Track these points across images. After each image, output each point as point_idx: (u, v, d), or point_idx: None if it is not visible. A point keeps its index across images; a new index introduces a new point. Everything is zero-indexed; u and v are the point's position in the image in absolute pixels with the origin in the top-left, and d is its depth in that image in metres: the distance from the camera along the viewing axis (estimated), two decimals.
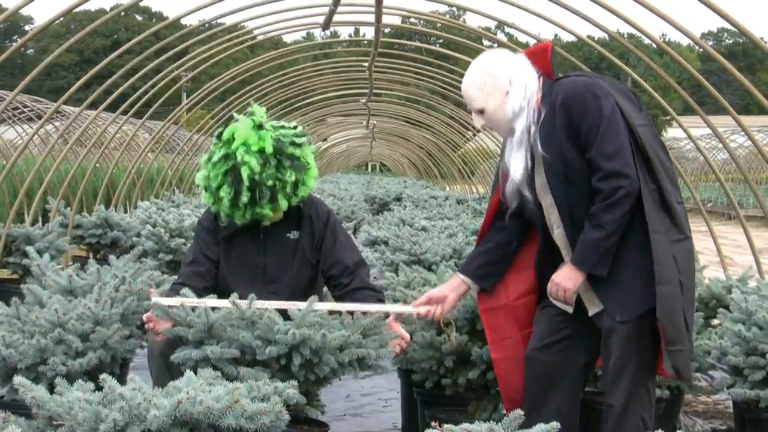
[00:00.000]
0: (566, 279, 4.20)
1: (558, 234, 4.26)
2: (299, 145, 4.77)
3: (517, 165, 4.20)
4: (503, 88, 4.19)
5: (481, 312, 4.59)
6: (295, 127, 4.88)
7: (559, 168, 4.11)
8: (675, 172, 4.25)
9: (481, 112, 4.26)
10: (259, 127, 4.70)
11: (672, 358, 4.04)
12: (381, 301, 4.87)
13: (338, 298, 4.99)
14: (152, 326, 4.37)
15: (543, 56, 4.26)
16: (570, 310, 4.27)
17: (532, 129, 4.16)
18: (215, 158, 4.71)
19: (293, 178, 4.70)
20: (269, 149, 4.66)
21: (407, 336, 4.72)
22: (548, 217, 4.27)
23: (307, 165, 4.79)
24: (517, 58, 4.26)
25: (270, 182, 4.65)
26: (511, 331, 4.48)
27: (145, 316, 4.42)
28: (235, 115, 4.82)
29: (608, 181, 4.01)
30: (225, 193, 4.67)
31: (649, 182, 4.06)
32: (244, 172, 4.61)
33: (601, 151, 4.02)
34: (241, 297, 4.32)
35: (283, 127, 4.84)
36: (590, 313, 4.26)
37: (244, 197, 4.64)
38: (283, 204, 4.72)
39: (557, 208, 4.19)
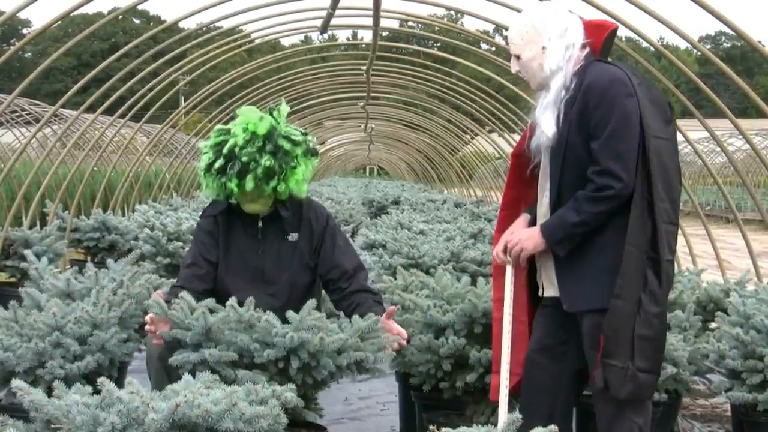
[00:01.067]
0: (528, 239, 4.23)
1: (544, 203, 4.29)
2: (294, 143, 4.80)
3: (548, 123, 4.15)
4: (542, 42, 4.18)
5: (493, 269, 4.55)
6: (305, 133, 4.92)
7: (562, 147, 4.11)
8: (680, 192, 4.20)
9: (518, 58, 4.29)
10: (269, 114, 4.82)
11: (605, 370, 4.02)
12: (379, 303, 4.87)
13: (336, 302, 5.00)
14: (153, 329, 4.37)
15: (601, 32, 4.24)
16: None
17: (563, 93, 4.15)
18: (218, 127, 4.90)
19: (268, 163, 4.71)
20: (261, 131, 4.75)
21: (404, 333, 4.72)
22: (542, 182, 4.31)
23: (293, 163, 4.79)
24: (569, 19, 4.22)
25: (245, 158, 4.70)
26: (515, 292, 4.43)
27: (147, 317, 4.41)
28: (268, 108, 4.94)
29: (602, 177, 4.01)
30: (206, 158, 4.82)
31: (646, 194, 4.03)
32: (229, 143, 4.74)
33: (606, 147, 4.00)
34: (240, 298, 4.33)
35: (293, 127, 4.93)
36: (546, 294, 4.29)
37: (217, 164, 4.74)
38: (249, 185, 4.71)
39: (549, 180, 4.21)
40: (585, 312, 4.11)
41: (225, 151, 4.73)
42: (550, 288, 4.28)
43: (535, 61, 4.20)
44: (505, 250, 4.34)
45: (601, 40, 4.23)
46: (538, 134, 4.23)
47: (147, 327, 4.41)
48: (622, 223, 4.04)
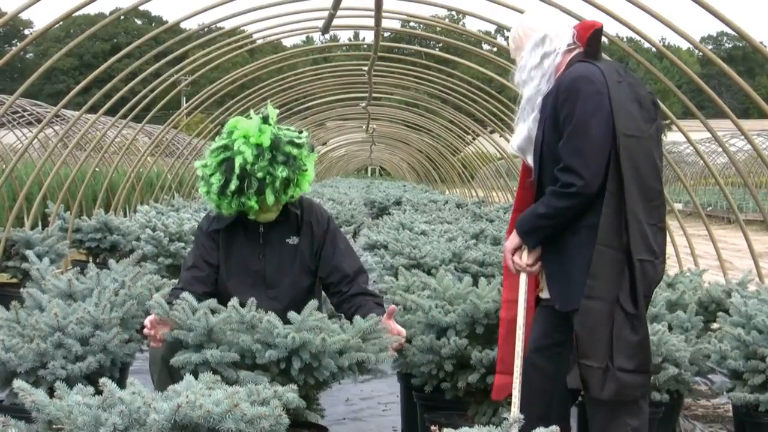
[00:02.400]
0: (510, 239, 4.32)
1: None
2: (298, 146, 4.77)
3: (518, 132, 4.26)
4: (521, 52, 4.29)
5: (504, 269, 4.55)
6: (300, 132, 4.90)
7: (539, 145, 4.15)
8: (657, 193, 4.15)
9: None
10: (264, 122, 4.75)
11: (582, 370, 4.01)
12: (380, 305, 4.86)
13: (337, 305, 4.99)
14: (153, 333, 4.36)
15: (585, 33, 4.26)
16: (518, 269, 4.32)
17: (538, 100, 4.18)
18: (215, 146, 4.79)
19: (284, 174, 4.69)
20: (266, 143, 4.69)
21: (403, 332, 4.72)
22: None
23: (303, 167, 4.78)
24: (551, 26, 4.27)
25: (260, 174, 4.66)
26: (518, 295, 4.44)
27: (146, 321, 4.40)
28: (252, 113, 4.85)
29: (564, 174, 4.03)
30: (216, 180, 4.72)
31: (617, 193, 4.01)
32: (237, 161, 4.65)
33: (568, 144, 4.02)
34: (241, 302, 4.33)
35: (288, 129, 4.87)
36: (542, 295, 4.32)
37: (233, 185, 4.66)
38: (270, 199, 4.69)
39: (534, 180, 4.27)
40: (575, 312, 4.10)
41: (237, 170, 4.64)
42: (545, 290, 4.31)
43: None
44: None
45: (584, 39, 4.24)
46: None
47: (146, 331, 4.39)
48: (597, 223, 4.03)
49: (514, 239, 4.29)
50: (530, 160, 4.29)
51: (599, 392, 4.00)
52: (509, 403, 4.59)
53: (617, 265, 4.01)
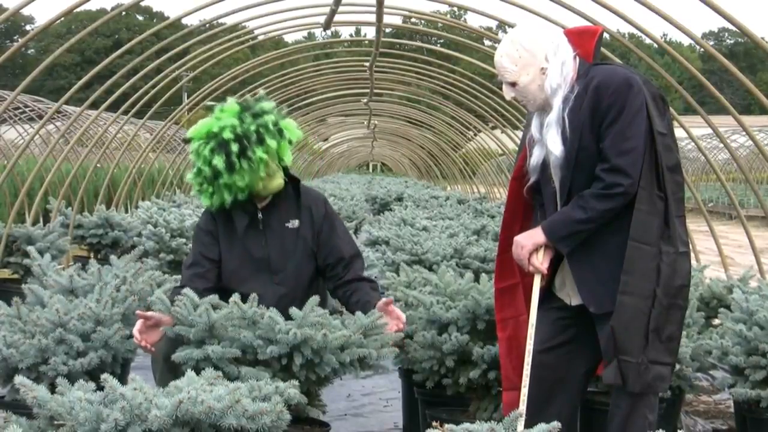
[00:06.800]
0: (526, 237, 4.19)
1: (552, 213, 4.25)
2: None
3: (554, 141, 4.11)
4: (539, 63, 4.11)
5: (495, 290, 4.54)
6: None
7: (573, 151, 4.09)
8: (680, 186, 4.19)
9: (512, 84, 4.18)
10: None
11: (621, 366, 4.01)
12: (376, 290, 4.89)
13: (333, 290, 5.00)
14: (144, 343, 4.37)
15: (589, 39, 4.21)
16: (533, 271, 4.23)
17: (564, 107, 4.11)
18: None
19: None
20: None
21: (403, 316, 4.68)
22: (548, 196, 4.26)
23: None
24: (554, 34, 4.19)
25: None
26: (515, 312, 4.42)
27: (134, 331, 4.38)
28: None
29: (611, 175, 4.00)
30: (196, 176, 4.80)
31: (656, 190, 4.05)
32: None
33: (616, 145, 4.00)
34: (248, 290, 4.36)
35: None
36: (573, 303, 4.25)
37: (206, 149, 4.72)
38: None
39: (559, 187, 4.19)
40: (608, 312, 4.09)
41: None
42: (576, 297, 4.23)
43: (534, 83, 4.13)
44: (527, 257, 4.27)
45: (591, 46, 4.20)
46: (537, 154, 4.21)
47: (135, 340, 4.38)
48: (624, 222, 4.04)
49: (533, 242, 4.17)
50: (555, 174, 4.21)
51: (635, 386, 4.02)
52: None
53: (651, 260, 4.02)
